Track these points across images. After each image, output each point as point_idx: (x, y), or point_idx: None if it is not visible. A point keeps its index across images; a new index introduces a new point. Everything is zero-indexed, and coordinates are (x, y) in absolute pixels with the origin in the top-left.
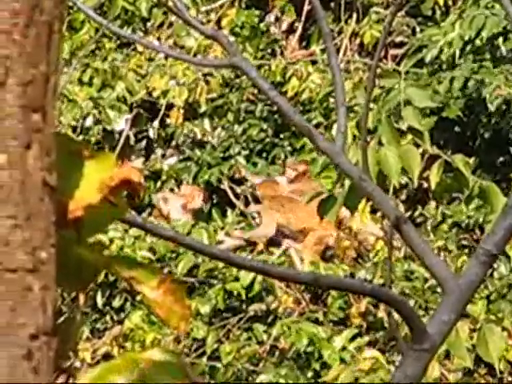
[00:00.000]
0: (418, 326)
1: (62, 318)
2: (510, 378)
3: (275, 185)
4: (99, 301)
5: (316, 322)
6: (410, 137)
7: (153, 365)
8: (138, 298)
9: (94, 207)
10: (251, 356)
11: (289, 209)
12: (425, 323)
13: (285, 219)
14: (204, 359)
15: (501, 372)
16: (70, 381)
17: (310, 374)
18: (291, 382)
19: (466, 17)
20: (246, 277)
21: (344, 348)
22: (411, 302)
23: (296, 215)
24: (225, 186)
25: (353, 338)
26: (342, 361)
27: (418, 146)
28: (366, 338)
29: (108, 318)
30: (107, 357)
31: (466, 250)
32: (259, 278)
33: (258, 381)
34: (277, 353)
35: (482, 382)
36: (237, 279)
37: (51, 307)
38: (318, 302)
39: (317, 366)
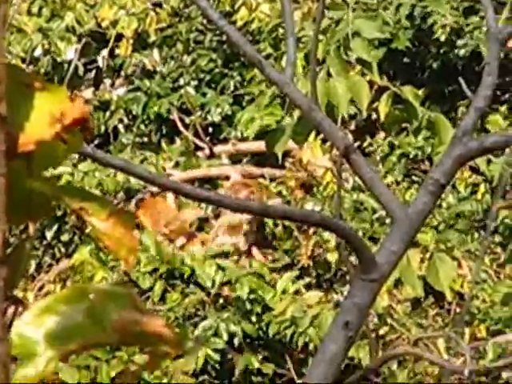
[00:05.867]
0: (367, 256)
1: (10, 249)
2: (458, 309)
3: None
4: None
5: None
6: (358, 68)
7: (102, 295)
8: (87, 231)
9: (45, 142)
10: (196, 303)
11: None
12: (373, 253)
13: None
14: (148, 304)
15: (449, 303)
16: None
17: (253, 319)
18: (233, 326)
19: None
20: None
21: (285, 291)
22: (360, 233)
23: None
24: (174, 116)
25: (298, 279)
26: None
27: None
28: (308, 280)
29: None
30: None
31: (416, 185)
32: None
33: (200, 326)
34: (220, 300)
35: (431, 312)
36: None
37: (0, 237)
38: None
39: (258, 309)
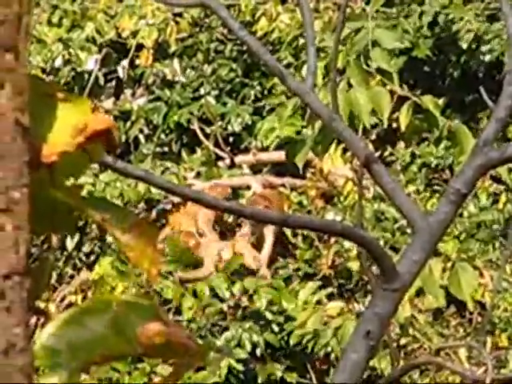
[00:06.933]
0: (389, 266)
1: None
2: (479, 318)
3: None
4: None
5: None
6: (378, 78)
7: (125, 306)
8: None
9: (69, 153)
10: (214, 313)
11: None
12: (395, 263)
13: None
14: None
15: (470, 312)
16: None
17: (275, 328)
18: (255, 336)
19: None
20: None
21: (307, 302)
22: (381, 243)
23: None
24: (194, 126)
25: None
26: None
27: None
28: (329, 290)
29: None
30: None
31: (437, 195)
32: None
33: (223, 336)
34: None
35: (452, 322)
36: None
37: (24, 247)
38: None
39: (281, 319)
